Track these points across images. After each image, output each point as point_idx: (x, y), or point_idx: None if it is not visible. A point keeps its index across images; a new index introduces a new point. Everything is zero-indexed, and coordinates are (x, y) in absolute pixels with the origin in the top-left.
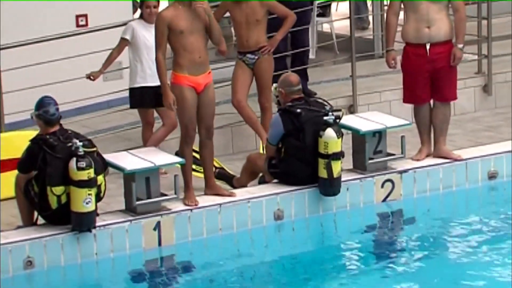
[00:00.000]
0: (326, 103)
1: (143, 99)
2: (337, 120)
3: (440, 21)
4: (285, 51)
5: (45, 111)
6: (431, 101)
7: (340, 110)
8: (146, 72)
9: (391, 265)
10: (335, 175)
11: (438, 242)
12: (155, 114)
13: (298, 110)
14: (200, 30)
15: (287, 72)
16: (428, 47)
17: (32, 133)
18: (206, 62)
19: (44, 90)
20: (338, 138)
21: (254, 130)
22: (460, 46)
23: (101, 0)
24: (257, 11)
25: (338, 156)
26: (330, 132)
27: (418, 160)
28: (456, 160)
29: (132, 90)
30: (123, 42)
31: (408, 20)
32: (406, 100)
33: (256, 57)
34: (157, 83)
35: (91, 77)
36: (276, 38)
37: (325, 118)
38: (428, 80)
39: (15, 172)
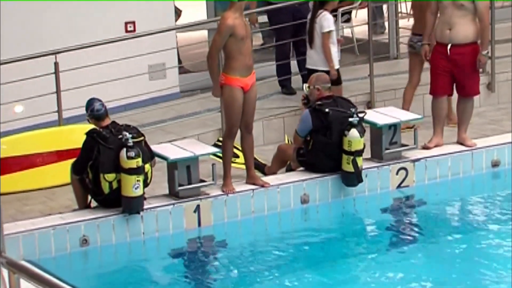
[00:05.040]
0: (351, 104)
1: None
2: (361, 121)
3: (461, 25)
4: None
5: (91, 109)
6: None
7: (364, 112)
8: (317, 57)
9: (404, 243)
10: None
11: (446, 222)
12: None
13: (327, 110)
14: (250, 36)
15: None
16: (449, 47)
17: (86, 126)
18: (252, 64)
19: (97, 88)
20: (361, 137)
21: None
22: (484, 52)
23: (147, 9)
24: None
25: (361, 152)
26: (354, 132)
27: (426, 148)
28: (469, 146)
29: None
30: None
31: (439, 22)
32: (430, 92)
33: None
34: (323, 67)
35: None
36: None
37: (350, 119)
38: (448, 76)
39: (71, 160)
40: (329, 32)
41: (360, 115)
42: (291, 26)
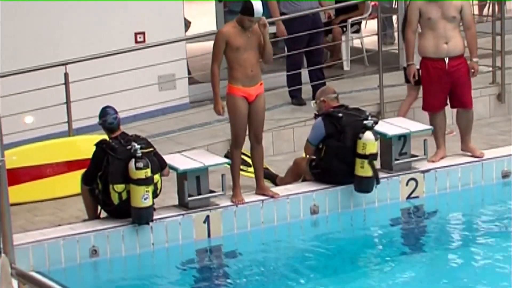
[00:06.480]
0: (363, 110)
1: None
2: (374, 125)
3: (455, 37)
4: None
5: (104, 120)
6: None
7: (377, 116)
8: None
9: (414, 255)
10: (370, 174)
11: (456, 233)
12: None
13: (340, 114)
14: (254, 47)
15: None
16: (447, 61)
17: (96, 137)
18: (258, 75)
19: (107, 99)
20: (376, 140)
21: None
22: (476, 60)
23: (157, 20)
24: None
25: (375, 156)
26: (369, 135)
27: (433, 161)
28: (478, 156)
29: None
30: None
31: (427, 37)
32: (424, 107)
33: None
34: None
35: None
36: None
37: (364, 122)
38: (446, 90)
39: (81, 171)
40: None
41: (374, 119)
42: (305, 36)
